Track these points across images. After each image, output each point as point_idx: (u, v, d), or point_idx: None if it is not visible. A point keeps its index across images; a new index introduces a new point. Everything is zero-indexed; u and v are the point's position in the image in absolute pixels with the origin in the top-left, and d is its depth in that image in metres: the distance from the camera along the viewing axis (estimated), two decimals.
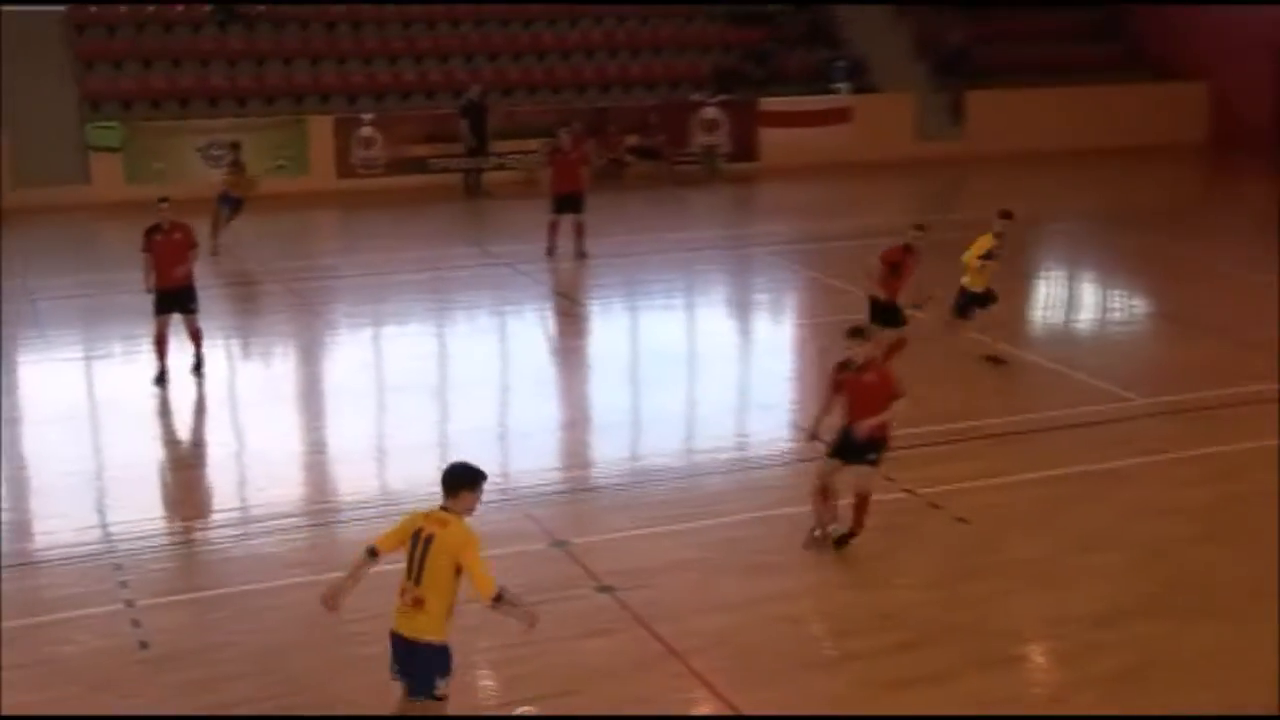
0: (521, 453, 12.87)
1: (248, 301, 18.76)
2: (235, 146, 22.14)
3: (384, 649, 7.58)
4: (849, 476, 10.57)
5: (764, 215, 25.94)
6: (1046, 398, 14.38)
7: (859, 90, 30.16)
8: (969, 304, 15.31)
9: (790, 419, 14.07)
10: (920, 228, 14.52)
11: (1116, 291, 20.11)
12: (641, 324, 17.89)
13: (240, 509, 11.83)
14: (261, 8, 29.00)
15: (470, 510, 7.49)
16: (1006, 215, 15.44)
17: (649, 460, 12.87)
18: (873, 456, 10.45)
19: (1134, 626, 9.46)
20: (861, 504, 10.59)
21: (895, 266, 14.28)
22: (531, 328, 17.81)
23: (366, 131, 26.96)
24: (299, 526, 11.31)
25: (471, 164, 26.90)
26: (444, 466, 7.60)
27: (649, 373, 15.85)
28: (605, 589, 10.02)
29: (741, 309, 18.87)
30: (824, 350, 16.31)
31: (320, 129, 26.88)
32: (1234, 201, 27.04)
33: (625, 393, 15.11)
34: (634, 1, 31.07)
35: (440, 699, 7.52)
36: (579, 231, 20.12)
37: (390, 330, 17.57)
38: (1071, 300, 19.93)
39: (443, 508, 7.50)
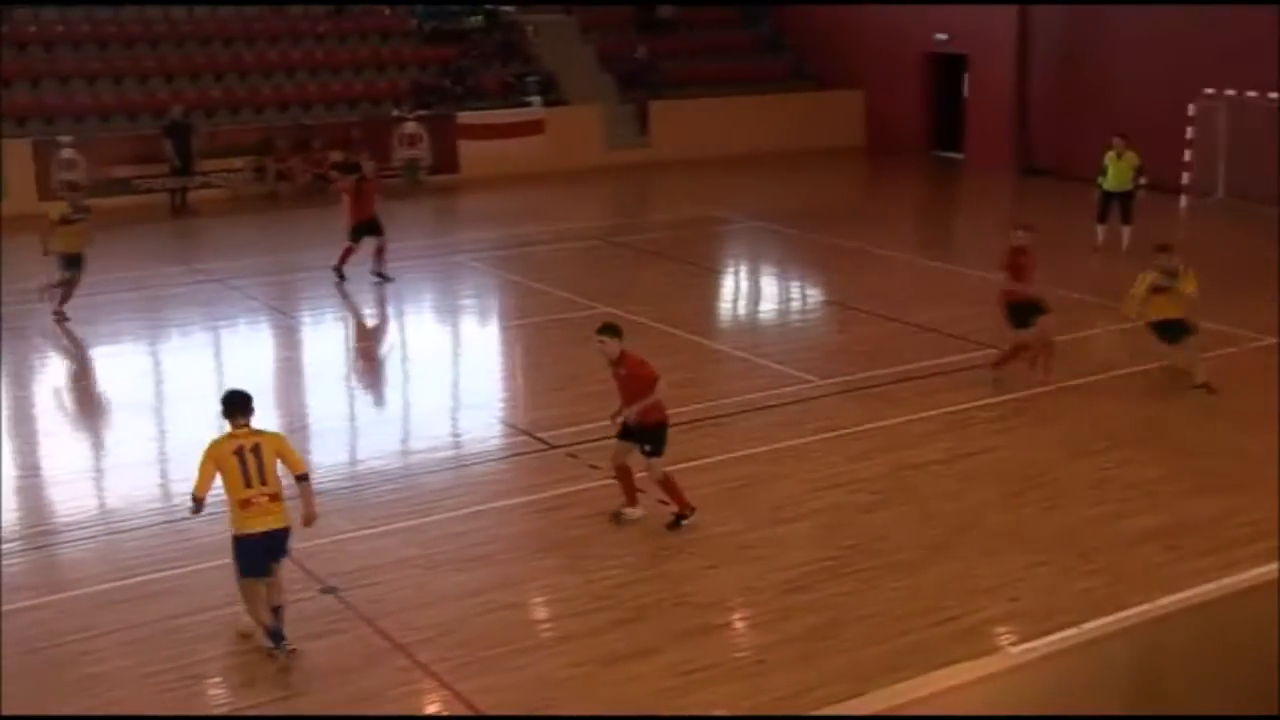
0: None
1: None
2: None
3: (112, 667, 7.25)
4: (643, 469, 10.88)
5: (467, 224, 25.85)
6: (735, 384, 14.80)
7: (550, 103, 30.37)
8: (1170, 333, 14.36)
9: (501, 416, 14.08)
10: (1025, 228, 14.51)
11: (793, 282, 20.85)
12: (354, 332, 17.60)
13: None
14: None
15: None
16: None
17: (367, 464, 12.68)
18: (648, 448, 10.82)
19: (822, 588, 9.86)
20: (665, 488, 10.90)
21: (1014, 269, 14.22)
22: (244, 342, 17.28)
23: (67, 154, 25.59)
24: (15, 551, 10.68)
25: (177, 183, 25.89)
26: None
27: (364, 379, 15.60)
28: (328, 590, 9.83)
29: (450, 313, 18.76)
30: (529, 349, 16.45)
31: (17, 152, 25.38)
32: (890, 198, 28.38)
33: (341, 399, 14.83)
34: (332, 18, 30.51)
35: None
36: (380, 254, 19.44)
37: (102, 350, 16.76)
38: (753, 292, 20.56)
39: (240, 426, 8.88)
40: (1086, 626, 6.61)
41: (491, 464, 12.72)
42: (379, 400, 14.82)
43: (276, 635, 8.80)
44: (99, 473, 12.59)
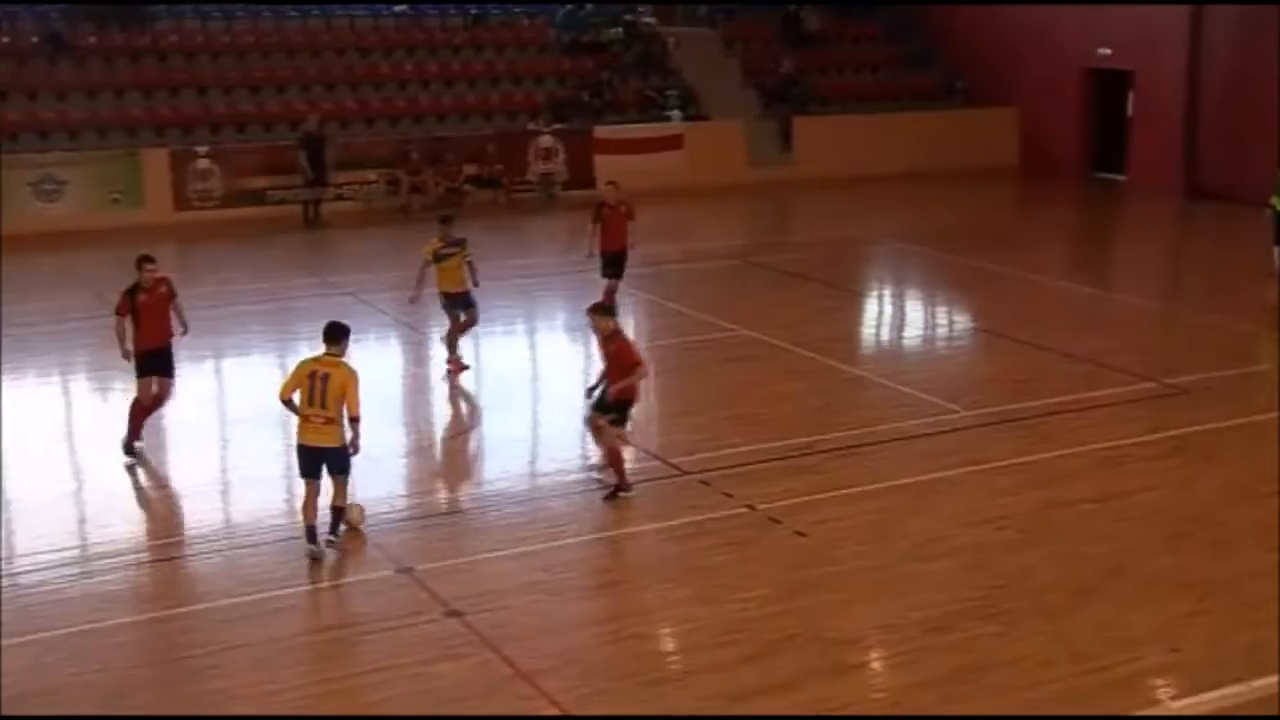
0: (367, 479, 12.73)
1: (84, 335, 18.21)
2: None
3: (231, 683, 7.44)
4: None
5: None
6: (878, 412, 14.68)
7: (691, 118, 30.52)
8: None
9: (632, 439, 14.15)
10: None
11: (941, 307, 20.64)
12: (484, 350, 17.82)
13: (80, 546, 11.48)
14: (91, 39, 28.30)
15: (345, 352, 11.01)
16: None
17: (494, 485, 12.82)
18: (612, 415, 12.05)
19: (965, 629, 9.71)
20: (611, 457, 12.06)
21: None
22: (375, 356, 17.61)
23: (203, 164, 26.42)
24: (140, 563, 11.03)
25: (310, 195, 26.54)
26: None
27: (493, 398, 15.80)
28: (453, 614, 9.96)
29: (583, 332, 18.88)
30: (663, 372, 16.52)
31: (155, 162, 26.26)
32: (1044, 221, 27.92)
33: (470, 417, 15.04)
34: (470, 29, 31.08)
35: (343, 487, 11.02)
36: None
37: (231, 362, 17.23)
38: (898, 317, 20.38)
39: (328, 354, 10.92)
40: (1256, 684, 6.37)
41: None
42: (508, 420, 14.98)
43: (311, 534, 10.77)
44: (226, 486, 12.94)
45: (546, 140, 28.82)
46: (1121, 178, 30.50)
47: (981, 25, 32.88)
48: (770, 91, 31.64)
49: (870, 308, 20.72)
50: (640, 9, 32.87)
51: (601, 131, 29.41)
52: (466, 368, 16.19)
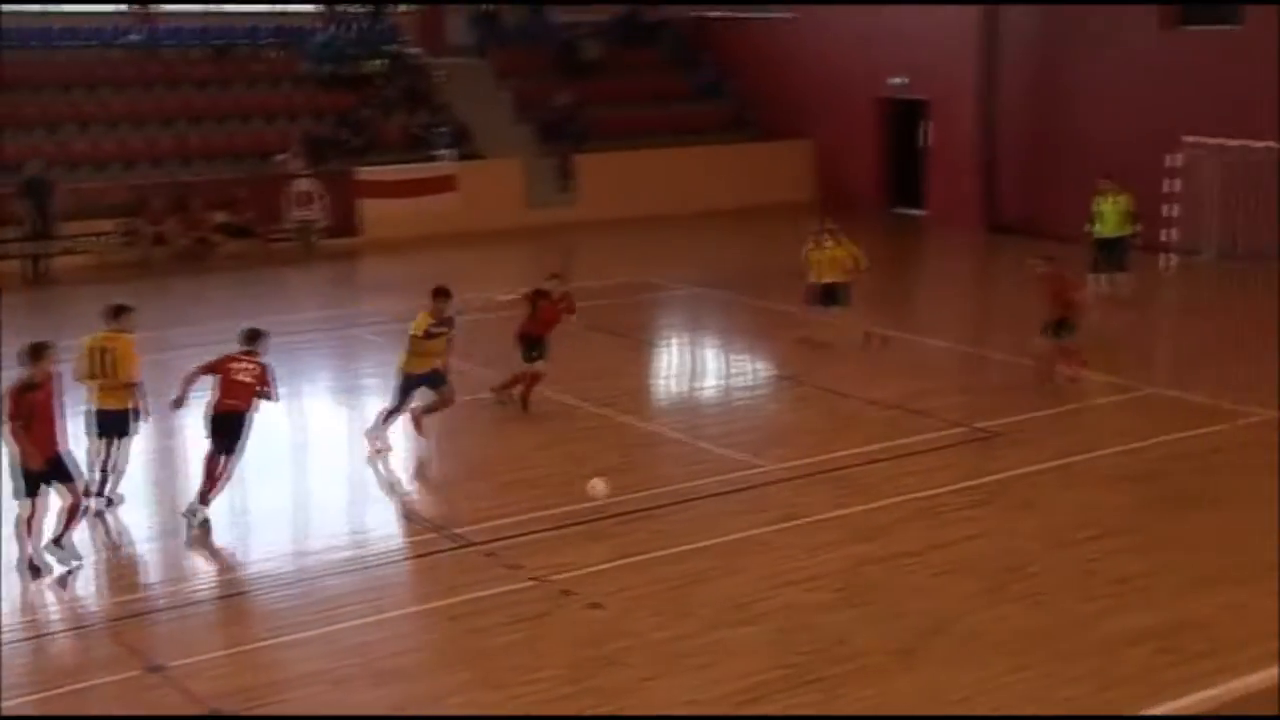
0: (103, 570, 12.29)
1: None
2: None
3: None
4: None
5: (369, 292, 25.77)
6: (676, 470, 14.79)
7: (464, 157, 30.49)
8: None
9: (409, 510, 13.97)
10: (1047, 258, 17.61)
11: (738, 355, 20.94)
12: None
13: None
14: None
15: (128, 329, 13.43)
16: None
17: (258, 565, 12.50)
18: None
19: (778, 700, 9.80)
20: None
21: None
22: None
23: None
24: None
25: (34, 249, 25.65)
26: None
27: (251, 470, 15.39)
28: (214, 716, 9.64)
29: (349, 394, 18.63)
30: (441, 435, 16.35)
31: None
32: None
33: (226, 494, 14.62)
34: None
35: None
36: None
37: None
38: (693, 367, 20.61)
39: (111, 331, 13.32)
40: None
41: (399, 564, 12.60)
42: (270, 494, 14.62)
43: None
44: None
45: (304, 184, 28.45)
46: (921, 212, 31.55)
47: (772, 55, 33.73)
48: (547, 127, 31.85)
49: (663, 358, 20.91)
50: (403, 39, 32.77)
51: (365, 173, 29.18)
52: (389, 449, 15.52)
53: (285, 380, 18.81)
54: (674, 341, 22.12)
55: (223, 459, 13.46)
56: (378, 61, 31.94)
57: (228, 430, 13.42)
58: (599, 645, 10.69)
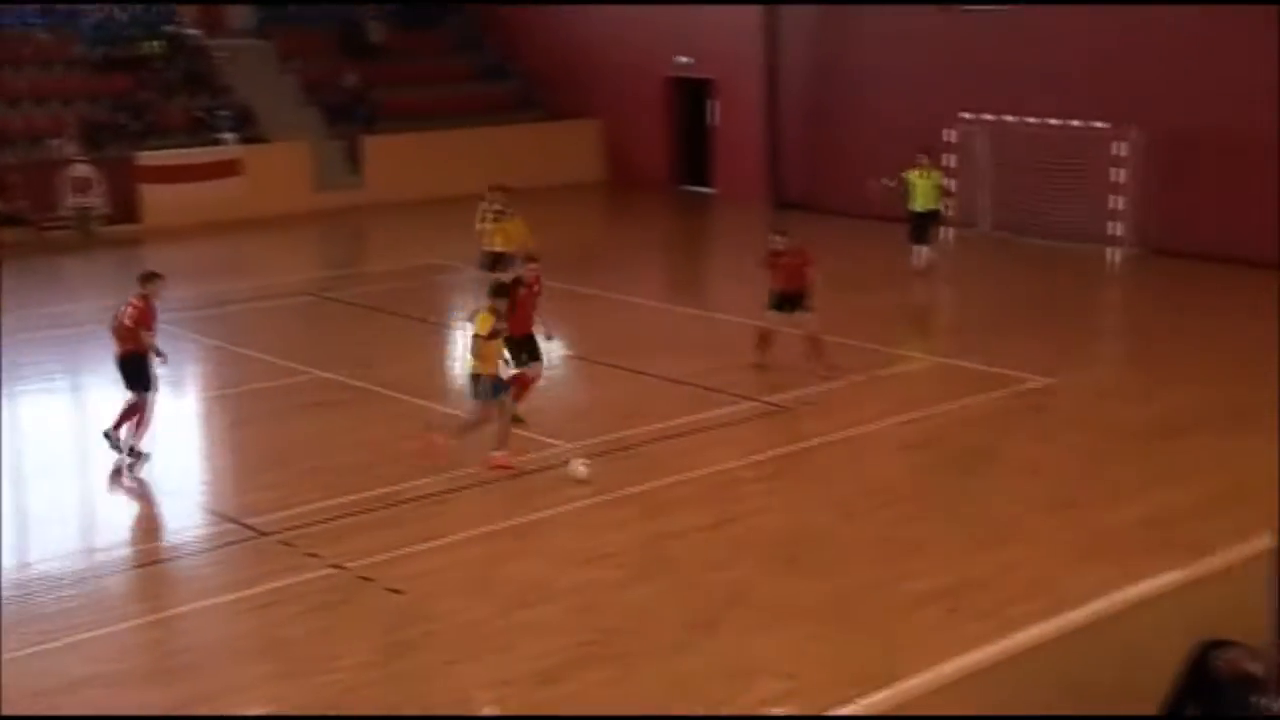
0: None
1: None
2: None
3: None
4: None
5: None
6: (470, 453, 14.73)
7: (248, 140, 29.89)
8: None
9: (203, 502, 13.70)
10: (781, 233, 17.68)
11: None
12: (20, 414, 16.82)
13: None
14: None
15: None
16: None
17: (37, 567, 12.11)
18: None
19: (579, 677, 9.90)
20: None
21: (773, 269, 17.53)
22: None
23: None
24: None
25: None
26: None
27: (34, 468, 14.95)
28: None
29: None
30: (233, 424, 16.07)
31: None
32: (634, 239, 28.89)
33: (7, 494, 14.17)
34: None
35: None
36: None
37: None
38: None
39: None
40: (866, 701, 6.82)
41: (193, 558, 12.36)
42: (51, 492, 14.19)
43: None
44: None
45: (81, 169, 27.57)
46: (709, 190, 31.94)
47: (558, 35, 33.77)
48: (334, 109, 31.42)
49: (457, 340, 20.83)
50: (181, 20, 31.94)
51: (145, 158, 28.41)
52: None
53: (66, 374, 18.38)
54: (467, 323, 22.02)
55: (133, 400, 14.26)
56: (155, 43, 31.06)
57: (123, 373, 14.32)
58: (401, 630, 10.66)
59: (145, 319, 14.36)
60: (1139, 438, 15.02)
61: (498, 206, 20.38)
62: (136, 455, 14.33)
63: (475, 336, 14.18)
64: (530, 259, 16.34)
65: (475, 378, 14.14)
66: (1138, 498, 13.20)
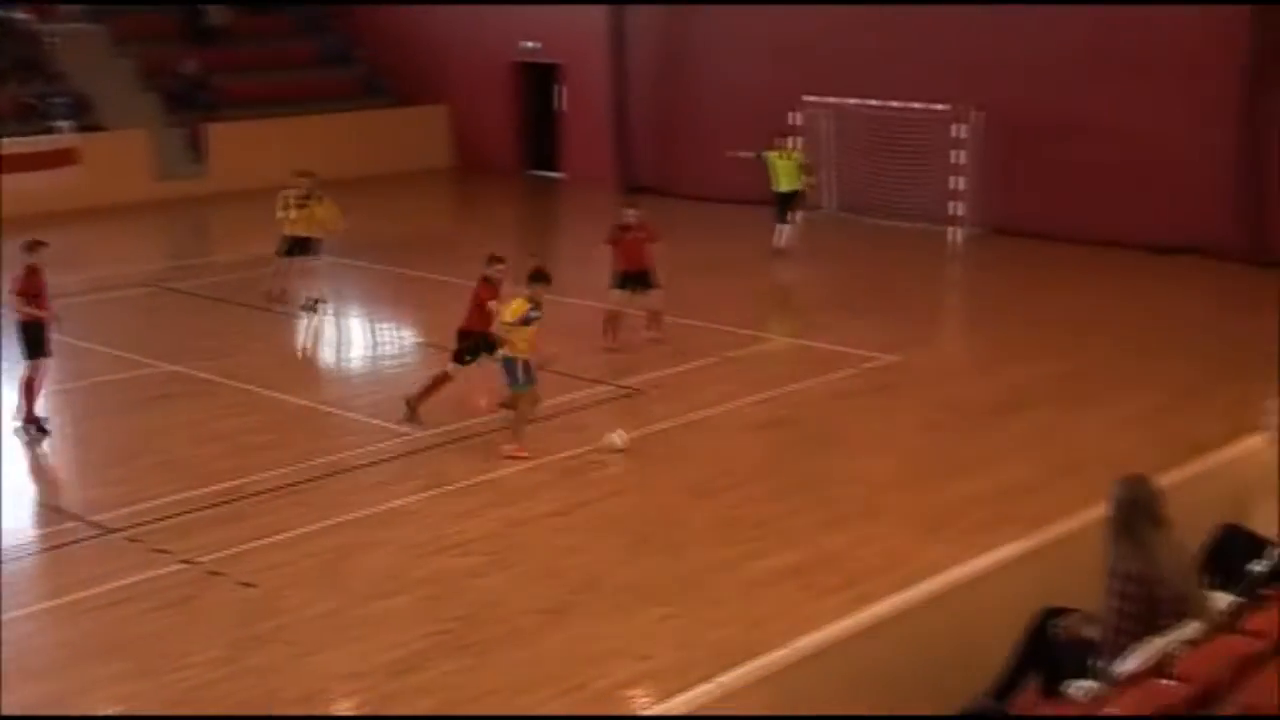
0: None
1: None
2: None
3: None
4: None
5: None
6: (324, 443, 14.63)
7: (84, 129, 29.16)
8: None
9: (45, 499, 13.40)
10: (633, 206, 18.29)
11: (384, 324, 20.83)
12: None
13: None
14: None
15: None
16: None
17: None
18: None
19: (434, 667, 9.88)
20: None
21: (617, 244, 17.78)
22: None
23: None
24: None
25: None
26: None
27: None
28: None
29: None
30: (76, 419, 15.71)
31: None
32: (484, 224, 28.76)
33: None
34: None
35: None
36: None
37: None
38: (340, 338, 20.37)
39: None
40: (722, 679, 6.92)
41: (37, 557, 12.10)
42: None
43: None
44: None
45: None
46: (558, 175, 31.94)
47: (402, 20, 33.47)
48: (174, 96, 30.80)
49: (308, 330, 20.60)
50: (8, 3, 31.03)
51: None
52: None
53: None
54: (316, 313, 21.78)
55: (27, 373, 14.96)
56: None
57: (20, 340, 14.98)
58: (253, 624, 10.55)
59: (28, 288, 14.82)
60: (981, 413, 15.38)
61: (302, 192, 20.50)
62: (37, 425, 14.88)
63: (504, 323, 14.19)
64: (496, 260, 15.13)
65: (509, 361, 14.17)
66: (980, 472, 13.52)
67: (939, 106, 24.90)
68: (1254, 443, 9.62)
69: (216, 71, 31.55)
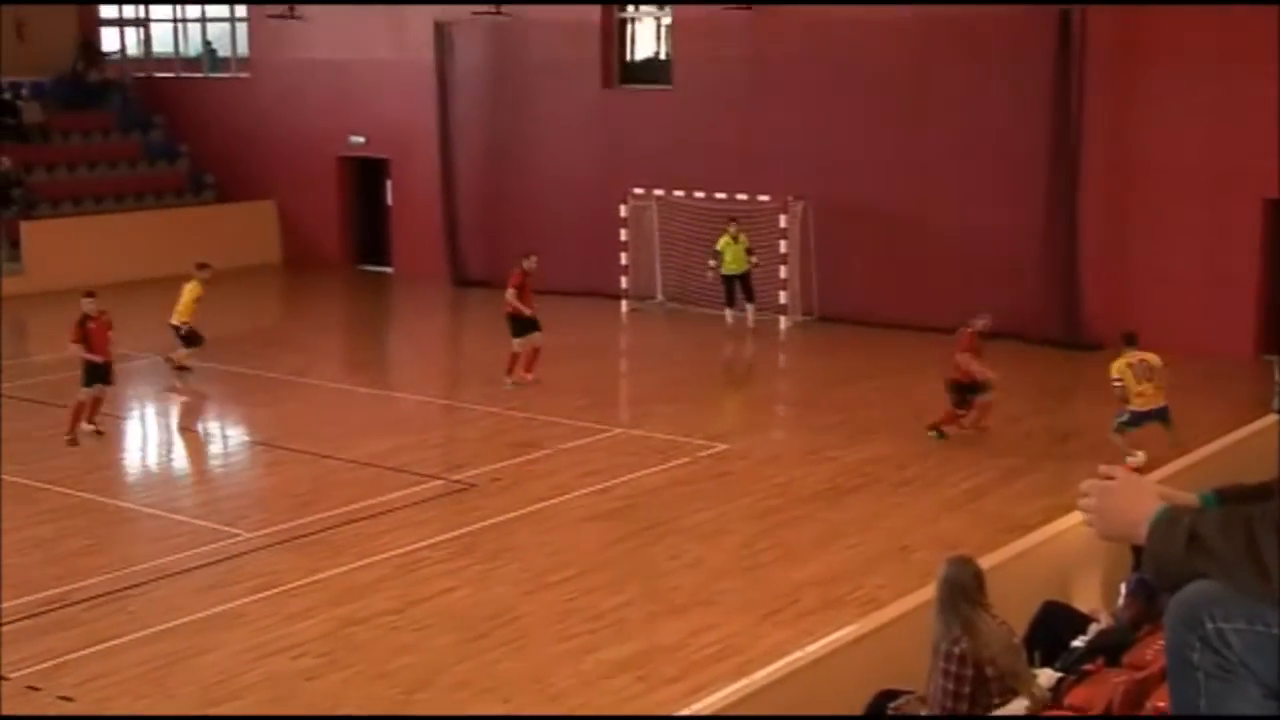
0: None
1: None
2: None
3: None
4: None
5: None
6: (147, 548, 14.27)
7: None
8: None
9: None
10: None
11: (211, 423, 20.45)
12: None
13: None
14: None
15: None
16: None
17: None
18: None
19: None
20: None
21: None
22: None
23: None
24: None
25: None
26: None
27: None
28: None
29: None
30: None
31: None
32: (312, 319, 28.53)
33: None
34: None
35: None
36: None
37: None
38: (165, 438, 19.94)
39: None
40: None
41: None
42: None
43: None
44: None
45: None
46: (388, 269, 31.79)
47: (227, 114, 33.19)
48: None
49: (134, 431, 20.14)
50: None
51: None
52: None
53: None
54: (143, 413, 21.31)
55: None
56: None
57: None
58: None
59: None
60: (811, 499, 15.58)
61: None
62: None
63: None
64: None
65: None
66: (812, 557, 13.67)
67: (763, 198, 25.35)
68: (1072, 520, 9.90)
69: (33, 168, 30.90)
